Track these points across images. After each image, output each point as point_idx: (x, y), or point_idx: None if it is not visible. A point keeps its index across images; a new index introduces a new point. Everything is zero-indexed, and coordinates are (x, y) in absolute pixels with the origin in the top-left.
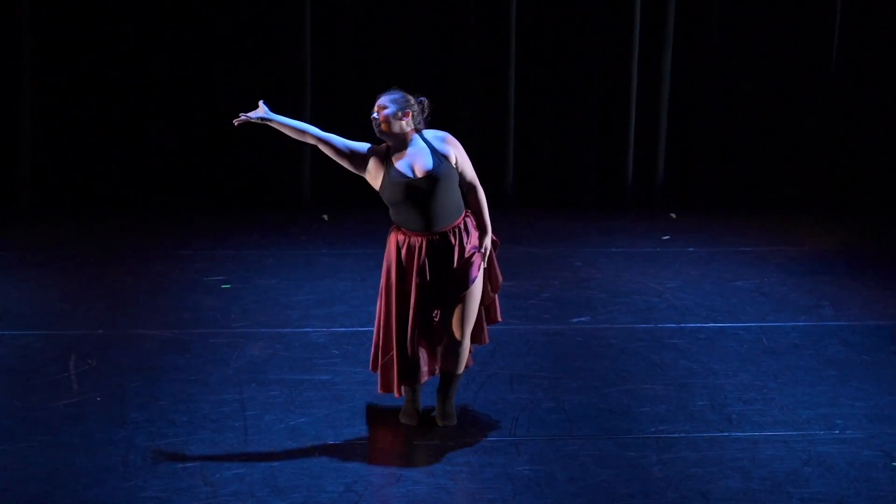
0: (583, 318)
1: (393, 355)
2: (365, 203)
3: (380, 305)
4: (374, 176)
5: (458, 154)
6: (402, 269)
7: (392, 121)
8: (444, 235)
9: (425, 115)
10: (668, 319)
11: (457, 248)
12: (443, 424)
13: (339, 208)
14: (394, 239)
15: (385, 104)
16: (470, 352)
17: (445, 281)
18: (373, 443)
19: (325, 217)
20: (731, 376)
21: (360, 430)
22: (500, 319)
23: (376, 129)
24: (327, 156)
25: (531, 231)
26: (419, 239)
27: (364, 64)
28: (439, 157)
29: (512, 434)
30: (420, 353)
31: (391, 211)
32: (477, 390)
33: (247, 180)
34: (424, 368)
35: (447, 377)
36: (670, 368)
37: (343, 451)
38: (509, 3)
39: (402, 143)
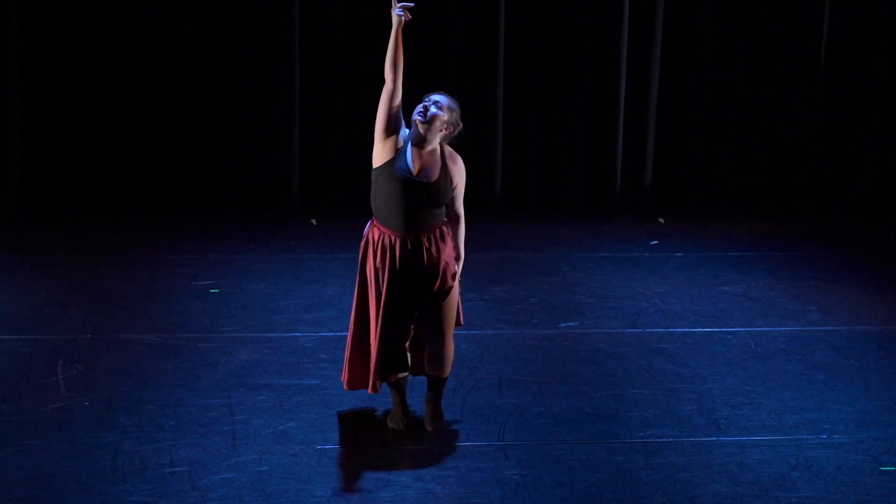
0: (571, 323)
1: (371, 351)
2: (353, 208)
3: (354, 305)
4: (387, 147)
5: (459, 182)
6: (376, 267)
7: (435, 123)
8: (419, 239)
9: (454, 137)
10: (656, 324)
11: (433, 251)
12: (432, 429)
13: (327, 213)
14: (369, 236)
15: (442, 106)
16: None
17: (418, 284)
18: (361, 447)
19: (314, 221)
20: (718, 381)
21: (348, 434)
22: (462, 323)
23: (418, 117)
24: (318, 158)
25: (519, 236)
26: (394, 238)
27: (352, 68)
28: (446, 175)
29: (500, 439)
30: (396, 350)
31: (375, 201)
32: (465, 395)
33: (235, 185)
34: (404, 365)
35: (434, 381)
36: (658, 373)
37: (331, 456)
38: (498, 7)
39: (424, 143)
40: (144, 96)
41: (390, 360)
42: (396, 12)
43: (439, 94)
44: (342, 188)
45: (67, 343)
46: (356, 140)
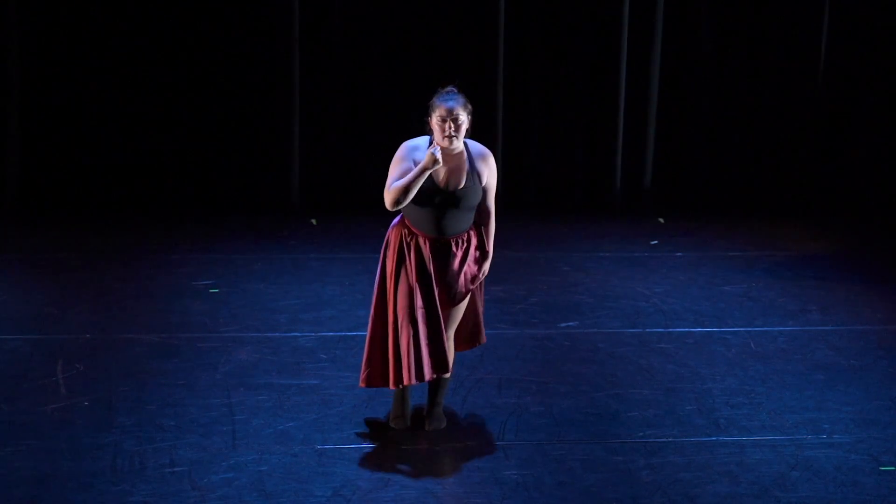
0: (571, 323)
1: (391, 348)
2: (353, 208)
3: (375, 303)
4: (404, 167)
5: (489, 178)
6: (405, 265)
7: (462, 129)
8: (448, 242)
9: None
10: (656, 324)
11: (459, 255)
12: (431, 428)
13: (327, 213)
14: (397, 234)
15: (460, 115)
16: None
17: (441, 284)
18: (361, 447)
19: (314, 221)
20: (718, 381)
21: (348, 434)
22: (483, 341)
23: (447, 139)
24: (318, 158)
25: (519, 235)
26: (423, 239)
27: (352, 67)
28: (474, 176)
29: (500, 438)
30: (423, 349)
31: (406, 207)
32: (465, 395)
33: (235, 184)
34: (427, 366)
35: (437, 379)
36: (658, 373)
37: (331, 456)
38: (497, 7)
39: (453, 147)
40: (144, 96)
41: (419, 363)
42: (433, 152)
43: (447, 99)
44: (342, 188)
45: (67, 343)
46: (357, 140)
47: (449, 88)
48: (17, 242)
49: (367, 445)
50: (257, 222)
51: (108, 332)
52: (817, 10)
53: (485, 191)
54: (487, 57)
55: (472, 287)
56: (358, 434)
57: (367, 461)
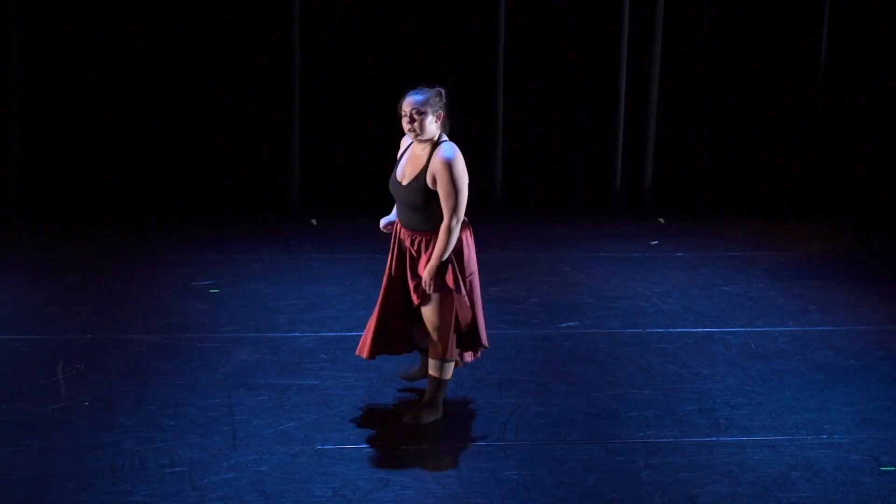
0: (571, 323)
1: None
2: (353, 208)
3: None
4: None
5: (439, 183)
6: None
7: (425, 123)
8: (409, 235)
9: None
10: (657, 324)
11: (413, 251)
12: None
13: (327, 213)
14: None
15: (420, 109)
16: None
17: (398, 275)
18: (361, 447)
19: (314, 222)
20: (718, 381)
21: (348, 434)
22: (478, 338)
23: (411, 133)
24: (318, 158)
25: (519, 236)
26: (400, 230)
27: (352, 67)
28: (422, 175)
29: (500, 438)
30: (391, 330)
31: None
32: (465, 395)
33: (235, 185)
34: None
35: (430, 379)
36: (658, 373)
37: (331, 456)
38: (498, 7)
39: (424, 142)
40: (144, 96)
41: (381, 340)
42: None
43: (411, 95)
44: (342, 188)
45: (67, 343)
46: (356, 140)
47: (437, 89)
48: (17, 242)
49: (367, 445)
50: (257, 222)
51: (108, 332)
52: (817, 10)
53: (436, 194)
54: (487, 57)
55: (429, 290)
56: (358, 434)
57: (367, 461)
